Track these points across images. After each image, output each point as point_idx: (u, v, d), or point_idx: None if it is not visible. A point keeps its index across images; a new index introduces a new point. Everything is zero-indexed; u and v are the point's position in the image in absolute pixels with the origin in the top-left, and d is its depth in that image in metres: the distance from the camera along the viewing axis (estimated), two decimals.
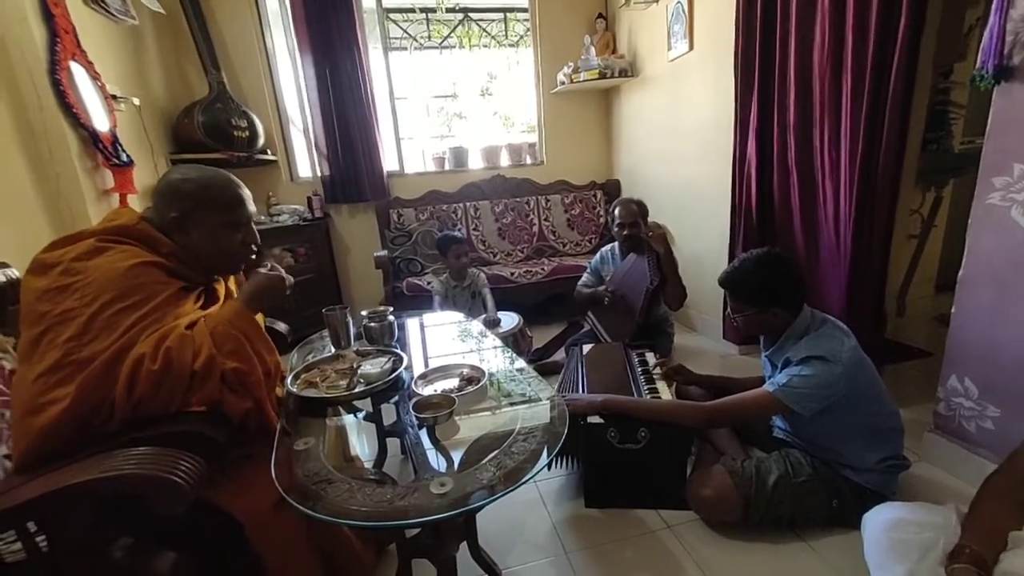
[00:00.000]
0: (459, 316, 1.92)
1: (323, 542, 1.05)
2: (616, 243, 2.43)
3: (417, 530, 1.07)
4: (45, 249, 0.98)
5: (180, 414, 0.94)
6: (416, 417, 1.03)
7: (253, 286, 1.09)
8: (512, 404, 1.14)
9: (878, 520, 1.12)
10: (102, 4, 2.12)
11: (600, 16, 3.46)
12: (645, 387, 1.59)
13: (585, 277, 2.56)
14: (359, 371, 1.22)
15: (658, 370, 1.68)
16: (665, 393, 1.56)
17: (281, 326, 1.56)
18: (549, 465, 1.62)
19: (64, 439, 0.85)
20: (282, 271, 1.14)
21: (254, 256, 1.16)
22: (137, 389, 0.87)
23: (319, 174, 3.31)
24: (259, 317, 1.41)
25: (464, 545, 1.15)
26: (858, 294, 1.80)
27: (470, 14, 3.58)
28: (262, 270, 1.13)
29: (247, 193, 1.12)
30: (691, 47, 2.60)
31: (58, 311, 0.88)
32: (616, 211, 2.31)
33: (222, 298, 1.16)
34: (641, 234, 2.21)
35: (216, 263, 1.12)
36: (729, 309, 1.44)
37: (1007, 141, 1.27)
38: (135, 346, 0.89)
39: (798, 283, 1.35)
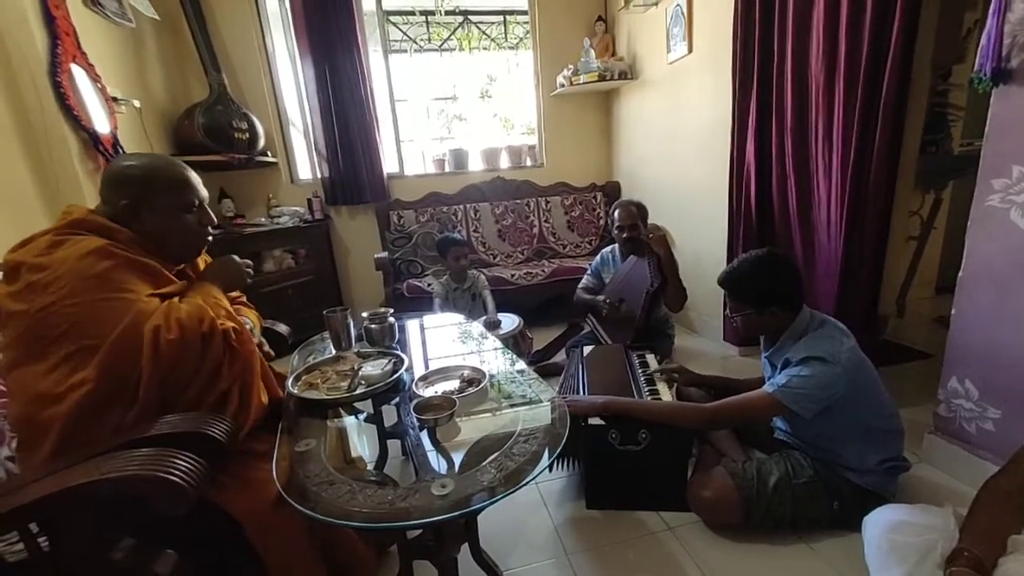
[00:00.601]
0: (459, 318, 1.92)
1: (325, 542, 1.05)
2: (616, 244, 2.43)
3: (418, 532, 1.07)
4: (11, 250, 0.98)
5: (180, 414, 0.94)
6: (417, 418, 1.03)
7: (213, 268, 1.19)
8: (513, 406, 1.14)
9: (878, 522, 1.12)
10: (100, 6, 2.13)
11: (599, 19, 3.47)
12: (646, 389, 1.59)
13: (586, 279, 2.57)
14: (360, 373, 1.22)
15: (660, 375, 1.67)
16: (666, 395, 1.56)
17: (282, 328, 1.56)
18: (551, 467, 1.63)
19: (93, 422, 0.87)
20: (236, 257, 1.23)
21: (211, 237, 1.18)
22: (162, 358, 0.91)
23: (319, 176, 3.31)
24: (254, 318, 1.41)
25: (465, 547, 1.15)
26: (850, 298, 1.80)
27: (470, 16, 3.59)
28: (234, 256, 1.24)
29: (194, 175, 1.13)
30: (690, 50, 2.61)
31: (36, 308, 0.88)
32: (615, 214, 2.31)
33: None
34: (641, 236, 2.21)
35: (175, 248, 1.12)
36: (728, 309, 1.45)
37: (1006, 143, 1.28)
38: (141, 321, 0.91)
39: (796, 284, 1.35)
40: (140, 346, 0.90)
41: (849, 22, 1.65)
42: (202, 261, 1.28)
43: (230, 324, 1.03)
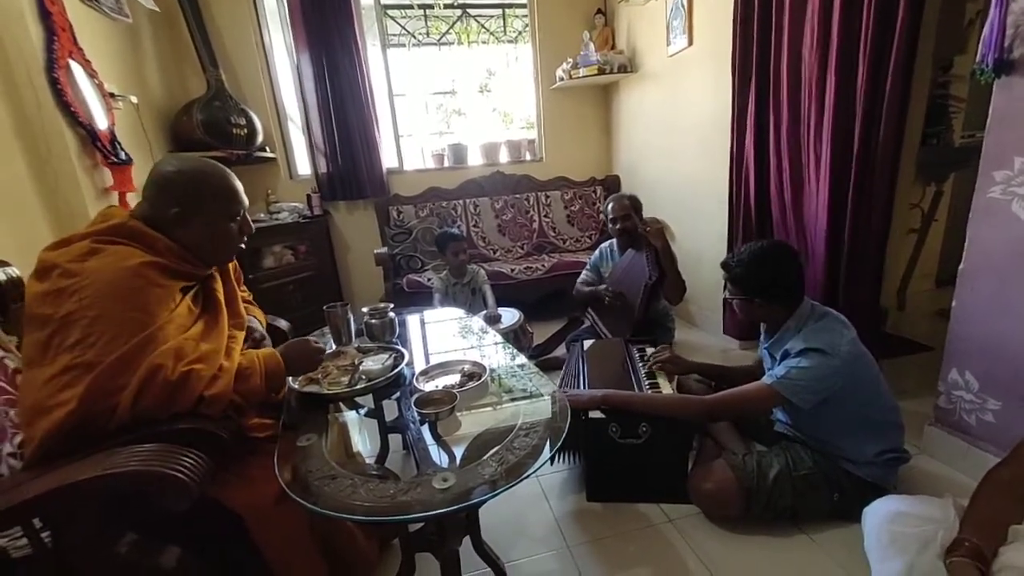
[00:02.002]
0: (459, 313, 1.92)
1: (327, 537, 1.05)
2: (614, 240, 2.43)
3: (420, 525, 1.07)
4: (47, 248, 0.97)
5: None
6: (418, 413, 1.03)
7: (296, 349, 1.13)
8: (513, 400, 1.14)
9: (878, 513, 1.12)
10: (97, 2, 2.11)
11: (599, 12, 3.45)
12: (646, 382, 1.59)
13: (584, 274, 2.56)
14: (361, 368, 1.22)
15: (654, 360, 1.67)
16: (666, 388, 1.57)
17: (282, 323, 1.56)
18: (552, 460, 1.63)
19: (68, 440, 0.85)
20: (322, 344, 1.18)
21: (244, 245, 1.17)
22: (146, 398, 0.87)
23: (318, 171, 3.30)
24: (260, 316, 1.42)
25: (467, 539, 1.15)
26: (854, 290, 1.80)
27: (468, 10, 3.57)
28: (311, 338, 1.18)
29: (240, 184, 1.13)
30: (690, 42, 2.59)
31: (60, 315, 0.88)
32: (609, 206, 2.33)
33: (221, 298, 1.16)
34: (635, 227, 2.22)
35: (213, 254, 1.12)
36: (726, 290, 1.45)
37: (1007, 134, 1.27)
38: (142, 353, 0.88)
39: (797, 277, 1.35)
40: (132, 375, 0.86)
41: (852, 16, 1.64)
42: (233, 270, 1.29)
43: (238, 399, 0.98)
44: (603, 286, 2.34)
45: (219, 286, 1.18)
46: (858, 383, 1.29)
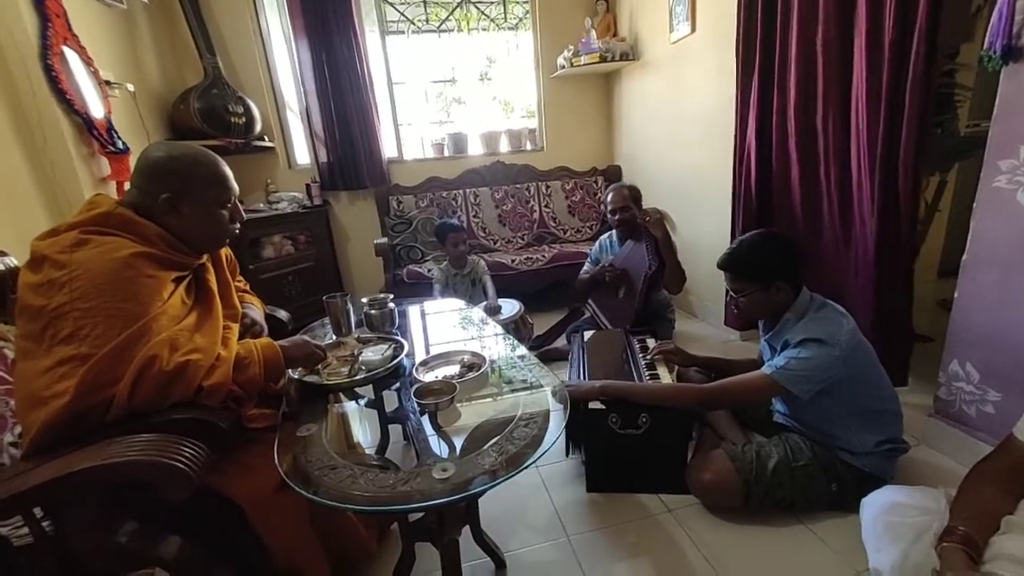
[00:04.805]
0: (460, 303, 1.91)
1: (327, 527, 1.06)
2: (614, 231, 2.42)
3: (420, 515, 1.08)
4: (38, 238, 0.96)
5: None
6: (417, 403, 1.03)
7: (297, 348, 1.13)
8: (513, 390, 1.14)
9: (875, 504, 1.13)
10: None
11: None
12: (646, 373, 1.59)
13: (586, 267, 2.56)
14: (360, 358, 1.22)
15: (657, 356, 1.68)
16: (666, 378, 1.57)
17: (282, 314, 1.56)
18: (567, 452, 1.64)
19: (65, 432, 0.85)
20: (323, 347, 1.19)
21: (238, 232, 1.16)
22: (142, 390, 0.86)
23: (317, 161, 3.28)
24: (258, 304, 1.42)
25: (467, 529, 1.16)
26: (889, 282, 1.71)
27: None
28: (308, 338, 1.19)
29: (230, 171, 1.12)
30: (693, 29, 2.56)
31: (52, 307, 0.87)
32: (608, 197, 2.33)
33: (215, 288, 1.15)
34: (635, 218, 2.21)
35: (204, 242, 1.11)
36: (730, 292, 1.43)
37: (1014, 123, 1.25)
38: (136, 344, 0.87)
39: (797, 258, 1.34)
40: (127, 366, 0.85)
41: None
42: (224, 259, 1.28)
43: (237, 391, 0.97)
44: (603, 263, 2.32)
45: (212, 276, 1.17)
46: (857, 373, 1.29)
